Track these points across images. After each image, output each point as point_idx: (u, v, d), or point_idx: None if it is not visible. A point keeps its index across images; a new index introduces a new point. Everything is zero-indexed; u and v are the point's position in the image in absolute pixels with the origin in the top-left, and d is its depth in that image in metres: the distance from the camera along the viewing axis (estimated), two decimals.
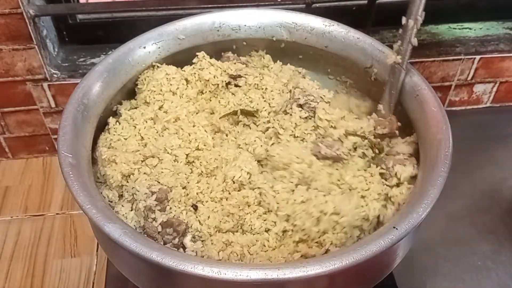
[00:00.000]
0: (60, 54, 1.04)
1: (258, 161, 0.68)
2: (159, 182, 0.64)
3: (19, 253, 0.98)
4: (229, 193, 0.65)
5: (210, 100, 0.75)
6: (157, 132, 0.70)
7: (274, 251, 0.60)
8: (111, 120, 0.71)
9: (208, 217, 0.62)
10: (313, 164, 0.67)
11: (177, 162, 0.67)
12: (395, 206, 0.63)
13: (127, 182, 0.65)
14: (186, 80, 0.76)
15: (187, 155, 0.68)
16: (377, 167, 0.67)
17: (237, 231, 0.63)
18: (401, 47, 0.68)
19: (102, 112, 0.69)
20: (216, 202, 0.64)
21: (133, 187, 0.64)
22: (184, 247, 0.61)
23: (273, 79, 0.76)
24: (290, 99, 0.75)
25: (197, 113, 0.73)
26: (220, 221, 0.63)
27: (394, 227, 0.54)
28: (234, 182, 0.65)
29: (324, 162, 0.68)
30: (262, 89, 0.76)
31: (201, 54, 0.77)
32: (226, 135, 0.72)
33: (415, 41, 0.67)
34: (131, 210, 0.63)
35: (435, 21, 1.12)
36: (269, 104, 0.74)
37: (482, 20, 1.15)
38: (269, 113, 0.73)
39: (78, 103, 0.65)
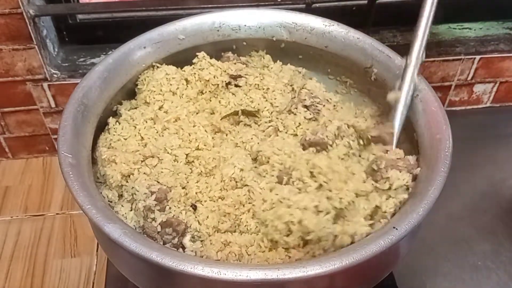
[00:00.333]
0: (60, 54, 1.04)
1: (255, 159, 0.68)
2: (158, 182, 0.64)
3: (19, 253, 0.98)
4: (226, 191, 0.64)
5: (210, 100, 0.75)
6: (157, 132, 0.70)
7: (271, 252, 0.60)
8: (111, 120, 0.71)
9: (207, 217, 0.62)
10: (295, 154, 0.66)
11: (177, 162, 0.67)
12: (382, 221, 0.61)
13: (127, 182, 0.65)
14: (186, 80, 0.76)
15: (187, 155, 0.68)
16: (366, 162, 0.66)
17: (235, 231, 0.63)
18: (402, 84, 0.67)
19: (102, 112, 0.69)
20: (214, 202, 0.64)
21: (132, 187, 0.64)
22: (183, 247, 0.61)
23: (274, 79, 0.76)
24: (294, 98, 0.75)
25: (197, 113, 0.73)
26: (218, 221, 0.63)
27: (394, 227, 0.54)
28: (230, 181, 0.65)
29: (308, 151, 0.67)
30: (263, 89, 0.76)
31: (201, 54, 0.77)
32: (226, 135, 0.72)
33: (416, 79, 0.67)
34: (131, 210, 0.63)
35: (435, 21, 1.12)
36: (272, 104, 0.74)
37: (482, 20, 1.15)
38: (271, 113, 0.73)
39: (78, 103, 0.65)
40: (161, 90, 0.74)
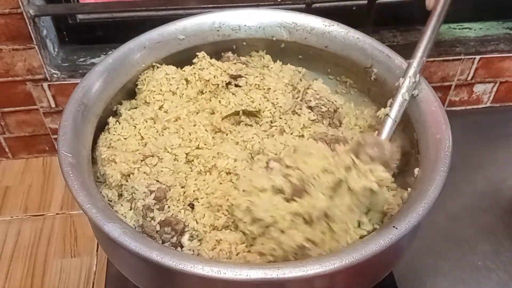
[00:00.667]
0: (60, 54, 1.04)
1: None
2: (158, 181, 0.64)
3: (19, 253, 0.98)
4: (221, 185, 0.64)
5: (210, 100, 0.75)
6: (157, 132, 0.70)
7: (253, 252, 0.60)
8: (111, 120, 0.71)
9: (204, 215, 0.62)
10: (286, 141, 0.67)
11: (177, 161, 0.67)
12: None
13: (127, 181, 0.65)
14: (186, 80, 0.76)
15: (187, 154, 0.68)
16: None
17: (229, 228, 0.62)
18: (393, 102, 0.66)
19: (102, 112, 0.69)
20: (209, 198, 0.64)
21: (132, 186, 0.64)
22: (182, 246, 0.61)
23: (275, 79, 0.76)
24: (297, 99, 0.75)
25: (197, 113, 0.73)
26: (214, 218, 0.62)
27: (394, 227, 0.54)
28: (226, 174, 0.65)
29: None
30: (264, 89, 0.76)
31: (201, 54, 0.77)
32: (227, 135, 0.72)
33: (406, 96, 0.66)
34: (130, 209, 0.63)
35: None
36: (273, 104, 0.74)
37: (482, 20, 1.15)
38: (273, 113, 0.73)
39: (78, 103, 0.65)
40: (161, 90, 0.74)
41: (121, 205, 0.64)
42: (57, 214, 1.04)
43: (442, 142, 0.62)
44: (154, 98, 0.73)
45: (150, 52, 0.75)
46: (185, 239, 0.61)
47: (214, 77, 0.75)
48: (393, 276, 0.80)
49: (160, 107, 0.72)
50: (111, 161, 0.65)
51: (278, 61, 0.81)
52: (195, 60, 0.77)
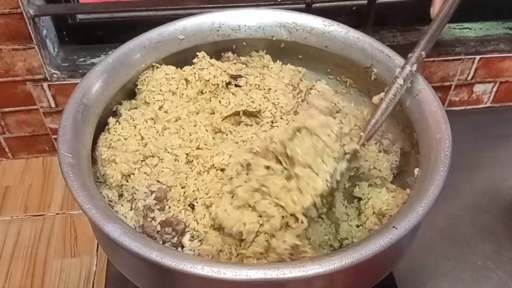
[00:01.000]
0: (60, 54, 1.04)
1: None
2: (158, 181, 0.64)
3: (19, 253, 0.98)
4: (217, 183, 0.64)
5: (210, 100, 0.75)
6: (157, 132, 0.70)
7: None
8: (111, 120, 0.71)
9: (204, 215, 0.62)
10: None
11: (178, 161, 0.67)
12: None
13: (127, 181, 0.65)
14: (186, 80, 0.76)
15: (187, 154, 0.68)
16: None
17: None
18: (389, 88, 0.66)
19: (102, 112, 0.69)
20: (208, 198, 0.64)
21: (132, 187, 0.64)
22: (182, 246, 0.61)
23: (275, 79, 0.76)
24: (299, 99, 0.75)
25: (197, 113, 0.73)
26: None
27: (393, 227, 0.54)
28: (222, 171, 0.65)
29: None
30: (264, 89, 0.76)
31: (201, 54, 0.77)
32: (227, 135, 0.72)
33: (401, 81, 0.66)
34: (131, 209, 0.63)
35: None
36: (274, 104, 0.74)
37: (482, 20, 1.15)
38: (274, 113, 0.73)
39: (78, 103, 0.65)
40: (160, 90, 0.74)
41: (122, 205, 0.64)
42: (57, 214, 1.04)
43: (442, 142, 0.62)
44: (154, 98, 0.73)
45: (150, 52, 0.75)
46: (186, 240, 0.61)
47: (214, 77, 0.75)
48: (393, 276, 0.80)
49: (160, 107, 0.72)
50: (111, 161, 0.65)
51: (278, 61, 0.81)
52: (195, 60, 0.77)
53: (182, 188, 0.65)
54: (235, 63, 0.77)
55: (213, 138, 0.70)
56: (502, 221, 0.95)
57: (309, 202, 0.56)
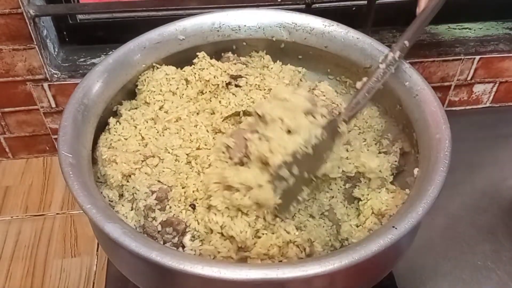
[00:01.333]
0: (61, 54, 1.04)
1: None
2: (159, 182, 0.64)
3: (19, 253, 0.98)
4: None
5: (210, 101, 0.76)
6: (157, 132, 0.70)
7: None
8: (112, 120, 0.71)
9: (205, 215, 0.62)
10: None
11: (178, 161, 0.67)
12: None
13: (128, 181, 0.65)
14: (186, 80, 0.76)
15: (187, 154, 0.68)
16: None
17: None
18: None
19: (102, 112, 0.69)
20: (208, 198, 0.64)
21: (133, 187, 0.64)
22: (183, 246, 0.61)
23: (275, 79, 0.77)
24: None
25: (197, 114, 0.74)
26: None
27: (393, 227, 0.54)
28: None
29: None
30: (265, 89, 0.76)
31: (201, 54, 0.77)
32: None
33: (383, 66, 0.67)
34: (131, 209, 0.64)
35: (434, 21, 1.11)
36: None
37: (482, 20, 1.15)
38: None
39: (78, 103, 0.66)
40: (161, 90, 0.74)
41: (122, 205, 0.64)
42: (57, 214, 1.04)
43: (441, 142, 0.62)
44: (154, 98, 0.73)
45: (150, 52, 0.75)
46: (186, 240, 0.61)
47: (214, 77, 0.75)
48: (393, 276, 0.80)
49: (161, 108, 0.73)
50: (112, 161, 0.65)
51: (278, 61, 0.81)
52: (195, 60, 0.77)
53: (183, 188, 0.65)
54: (235, 63, 0.77)
55: (213, 138, 0.70)
56: (502, 221, 0.95)
57: (279, 160, 0.58)
